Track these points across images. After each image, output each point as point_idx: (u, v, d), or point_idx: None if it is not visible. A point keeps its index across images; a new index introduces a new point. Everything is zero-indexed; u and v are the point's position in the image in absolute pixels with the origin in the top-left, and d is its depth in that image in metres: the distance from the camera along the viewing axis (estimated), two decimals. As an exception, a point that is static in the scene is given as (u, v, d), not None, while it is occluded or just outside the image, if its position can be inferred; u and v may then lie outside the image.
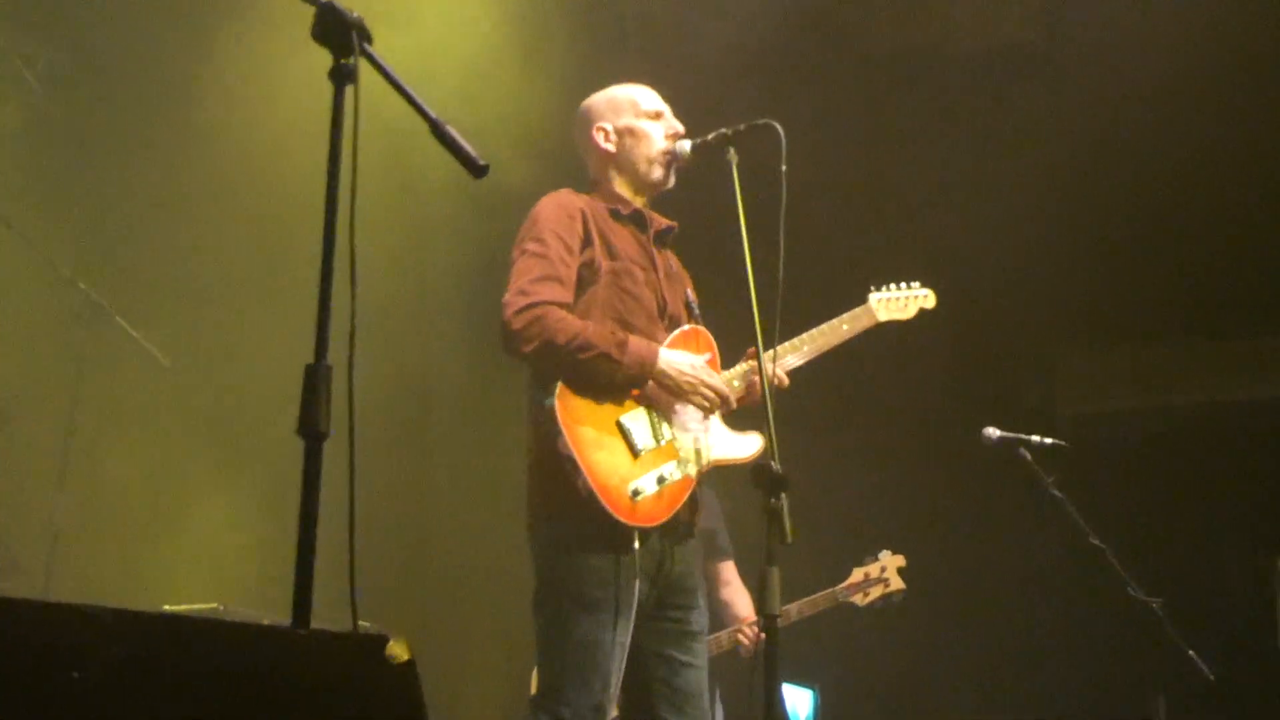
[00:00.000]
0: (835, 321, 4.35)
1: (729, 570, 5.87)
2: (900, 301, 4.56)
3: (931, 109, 7.17)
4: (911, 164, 7.25)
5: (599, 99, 4.25)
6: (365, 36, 2.47)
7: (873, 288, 4.55)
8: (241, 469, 6.42)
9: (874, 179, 7.33)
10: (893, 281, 4.56)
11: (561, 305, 3.81)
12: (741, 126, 3.90)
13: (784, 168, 3.71)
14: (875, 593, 5.57)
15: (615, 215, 4.08)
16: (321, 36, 2.46)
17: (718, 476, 4.22)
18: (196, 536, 6.43)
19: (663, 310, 4.05)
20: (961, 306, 7.18)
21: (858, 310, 4.46)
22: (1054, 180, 7.13)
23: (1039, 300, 7.46)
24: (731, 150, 3.89)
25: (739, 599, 5.78)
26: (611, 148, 4.16)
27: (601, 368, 3.78)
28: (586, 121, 4.22)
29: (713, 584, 5.80)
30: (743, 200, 3.76)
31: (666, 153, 4.13)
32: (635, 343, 3.85)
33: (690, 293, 4.24)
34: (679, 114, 4.24)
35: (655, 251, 4.12)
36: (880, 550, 5.62)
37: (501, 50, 6.72)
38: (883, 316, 4.51)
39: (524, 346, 3.73)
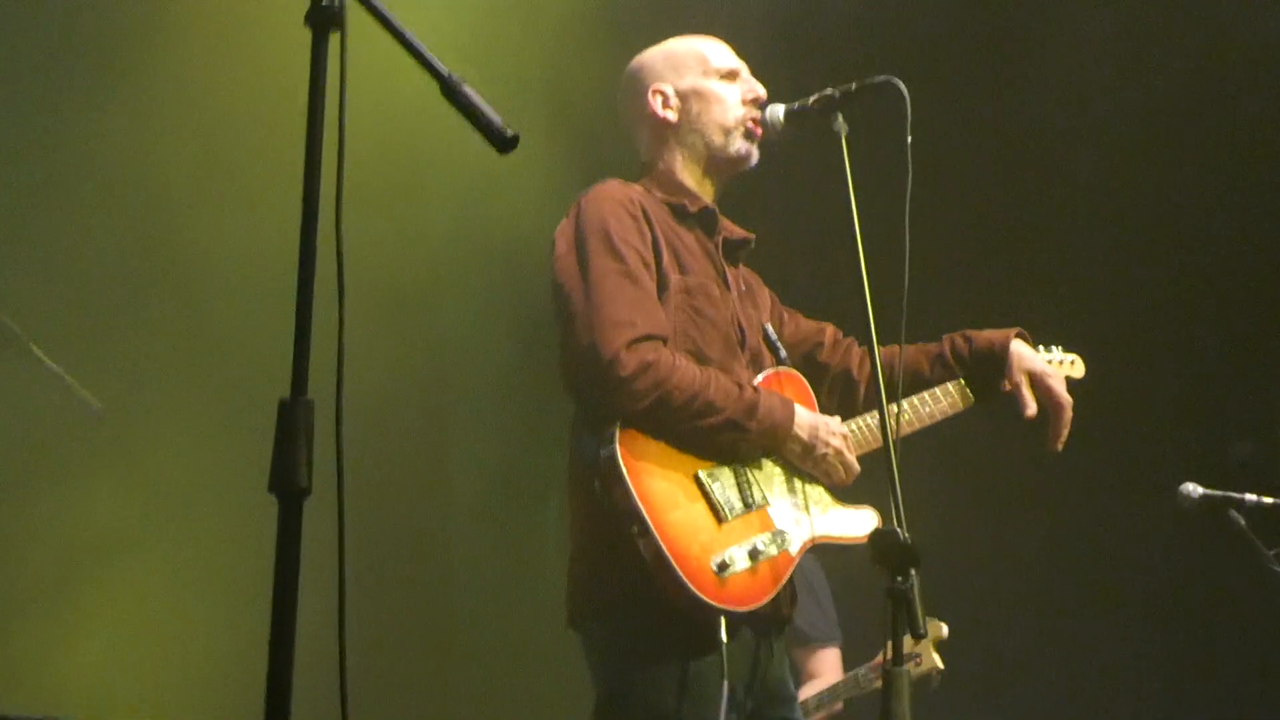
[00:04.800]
0: (938, 390, 4.28)
1: (823, 660, 5.77)
2: None
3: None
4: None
5: (654, 55, 4.28)
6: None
7: None
8: (194, 539, 6.41)
9: (1030, 159, 7.30)
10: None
11: (665, 341, 3.82)
12: (853, 86, 3.89)
13: (910, 139, 3.71)
14: None
15: (678, 214, 4.09)
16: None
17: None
18: (122, 629, 6.42)
19: (742, 341, 4.07)
20: (1146, 328, 7.17)
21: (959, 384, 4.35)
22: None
23: (1254, 312, 7.36)
24: (839, 117, 3.88)
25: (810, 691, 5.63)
26: (673, 116, 4.17)
27: (724, 438, 3.81)
28: (639, 84, 4.24)
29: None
30: (854, 184, 3.75)
31: (749, 120, 4.13)
32: (767, 402, 3.87)
33: (767, 321, 4.24)
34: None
35: (725, 264, 4.14)
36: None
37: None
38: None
39: (636, 403, 3.70)
